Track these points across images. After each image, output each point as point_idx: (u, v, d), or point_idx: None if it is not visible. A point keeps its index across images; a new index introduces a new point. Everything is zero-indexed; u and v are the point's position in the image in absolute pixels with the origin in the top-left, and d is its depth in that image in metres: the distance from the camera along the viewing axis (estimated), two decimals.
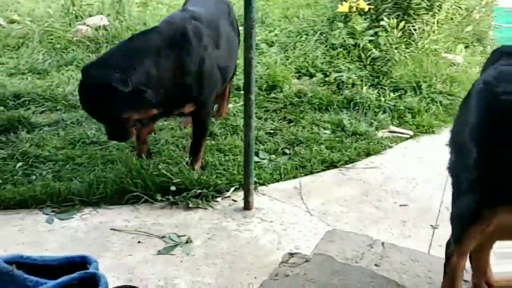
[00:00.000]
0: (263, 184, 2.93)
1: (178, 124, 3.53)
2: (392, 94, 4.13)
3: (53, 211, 2.58)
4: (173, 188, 2.70)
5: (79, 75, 2.67)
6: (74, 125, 3.39)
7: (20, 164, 2.91)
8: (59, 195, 2.64)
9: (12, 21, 5.26)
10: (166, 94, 2.64)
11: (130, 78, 2.43)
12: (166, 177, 2.74)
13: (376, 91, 4.18)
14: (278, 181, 2.99)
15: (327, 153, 3.24)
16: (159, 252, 2.30)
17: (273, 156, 3.25)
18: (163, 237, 2.41)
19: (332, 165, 3.16)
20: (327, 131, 3.60)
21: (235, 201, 2.76)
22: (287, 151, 3.32)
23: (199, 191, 2.72)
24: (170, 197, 2.67)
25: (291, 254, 2.27)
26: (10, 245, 2.28)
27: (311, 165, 3.11)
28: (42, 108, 3.63)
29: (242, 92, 4.08)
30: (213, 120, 3.57)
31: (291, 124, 3.67)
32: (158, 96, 2.60)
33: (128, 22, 5.04)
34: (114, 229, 2.45)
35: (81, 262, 1.40)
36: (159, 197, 2.67)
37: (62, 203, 2.62)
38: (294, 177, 3.02)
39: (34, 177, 2.80)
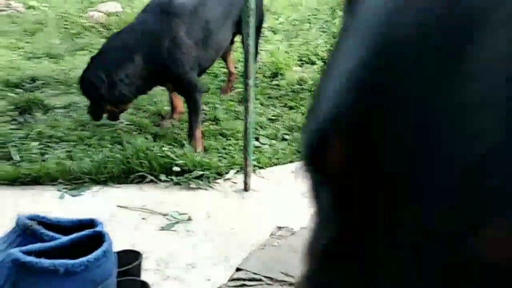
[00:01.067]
0: (262, 168, 3.06)
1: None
2: None
3: (64, 188, 2.72)
4: (176, 169, 2.83)
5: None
6: (85, 108, 3.52)
7: (35, 143, 3.05)
8: (70, 173, 2.78)
9: (29, 7, 5.39)
10: (143, 83, 2.99)
11: (111, 76, 2.83)
12: (169, 159, 2.87)
13: None
14: (276, 165, 3.12)
15: None
16: (162, 228, 2.44)
17: (273, 141, 3.37)
18: (166, 214, 2.54)
19: None
20: None
21: (235, 183, 2.89)
22: (286, 136, 3.43)
23: (201, 172, 2.85)
24: (173, 177, 2.81)
25: (279, 228, 2.41)
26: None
27: None
28: (56, 91, 3.77)
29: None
30: (218, 105, 3.70)
31: (292, 111, 3.78)
32: (135, 88, 2.98)
33: (139, 8, 5.13)
34: (120, 206, 2.59)
35: (90, 224, 1.54)
36: (163, 177, 2.80)
37: (73, 180, 2.76)
38: (291, 162, 3.14)
39: (48, 156, 2.94)
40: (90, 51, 4.39)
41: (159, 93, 3.77)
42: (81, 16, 4.91)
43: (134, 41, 2.94)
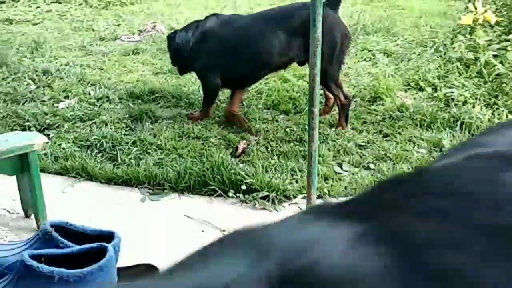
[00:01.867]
0: (334, 196, 3.06)
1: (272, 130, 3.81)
2: (509, 116, 3.87)
3: (147, 192, 3.07)
4: (244, 187, 2.99)
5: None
6: (186, 121, 3.87)
7: (136, 149, 3.46)
8: (155, 179, 3.12)
9: (171, 29, 6.00)
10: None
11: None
12: (240, 176, 3.05)
13: (490, 111, 3.94)
14: (351, 195, 3.09)
15: None
16: None
17: (356, 169, 3.32)
18: (224, 230, 2.72)
19: None
20: (422, 150, 3.53)
21: (301, 208, 2.95)
22: (372, 166, 3.36)
23: (268, 193, 2.97)
24: (241, 195, 2.98)
25: None
26: (107, 213, 2.81)
27: None
28: (168, 104, 4.19)
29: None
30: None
31: (385, 139, 3.68)
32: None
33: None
34: (187, 216, 2.84)
35: (109, 236, 1.77)
36: (231, 194, 2.99)
37: (156, 186, 3.10)
38: None
39: (143, 161, 3.32)
40: None
41: (254, 110, 3.99)
42: None
43: None
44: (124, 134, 3.65)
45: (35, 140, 2.49)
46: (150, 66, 5.12)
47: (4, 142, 2.46)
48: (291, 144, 3.59)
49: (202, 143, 3.58)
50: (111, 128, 3.72)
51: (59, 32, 6.55)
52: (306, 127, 3.76)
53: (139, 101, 4.22)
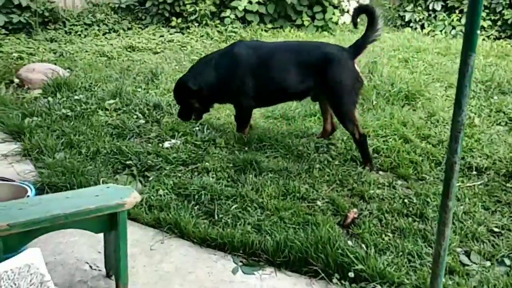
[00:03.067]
0: None
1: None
2: None
3: (241, 261, 2.67)
4: (351, 274, 2.49)
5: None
6: (292, 176, 3.45)
7: (235, 205, 3.10)
8: (251, 246, 2.71)
9: None
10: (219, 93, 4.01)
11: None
12: (348, 258, 2.55)
13: None
14: None
15: None
16: None
17: (487, 263, 2.67)
18: None
19: None
20: None
21: None
22: (507, 261, 2.70)
23: (380, 287, 2.44)
24: (347, 283, 2.47)
25: None
26: (194, 284, 2.46)
27: None
28: (275, 154, 3.81)
29: (473, 172, 3.55)
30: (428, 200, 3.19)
31: None
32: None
33: (376, 81, 4.95)
34: None
35: None
36: (335, 279, 2.50)
37: (251, 255, 2.69)
38: None
39: (241, 221, 2.94)
40: (319, 118, 4.39)
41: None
42: None
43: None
44: (225, 186, 3.32)
45: (127, 198, 2.20)
46: (261, 108, 4.81)
47: (94, 197, 2.21)
48: (409, 219, 3.02)
49: (308, 206, 3.13)
50: (212, 177, 3.42)
51: (177, 63, 6.55)
52: (428, 199, 3.22)
53: (246, 148, 3.89)
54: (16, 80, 5.42)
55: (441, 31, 9.00)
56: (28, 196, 2.72)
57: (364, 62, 5.37)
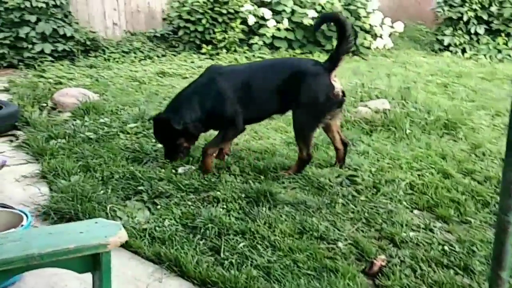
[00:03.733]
0: None
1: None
2: None
3: None
4: None
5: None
6: (311, 212, 3.00)
7: (244, 243, 2.67)
8: None
9: None
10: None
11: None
12: None
13: None
14: None
15: None
16: None
17: None
18: None
19: None
20: None
21: None
22: None
23: None
24: None
25: None
26: None
27: None
28: (293, 185, 3.36)
29: None
30: None
31: None
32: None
33: (410, 108, 4.44)
34: None
35: None
36: None
37: None
38: None
39: (248, 262, 2.51)
40: (353, 145, 3.94)
41: None
42: (349, 111, 4.51)
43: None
44: (236, 219, 2.90)
45: (111, 238, 1.82)
46: (283, 134, 4.40)
47: (77, 234, 1.84)
48: (451, 271, 2.46)
49: (327, 248, 2.65)
50: (222, 208, 3.01)
51: None
52: (474, 247, 2.59)
53: (261, 177, 3.47)
54: (50, 104, 5.21)
55: (485, 55, 8.26)
56: (22, 225, 2.39)
57: (397, 87, 4.84)
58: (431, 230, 2.83)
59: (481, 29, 8.67)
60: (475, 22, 8.70)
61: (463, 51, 8.74)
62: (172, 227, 2.80)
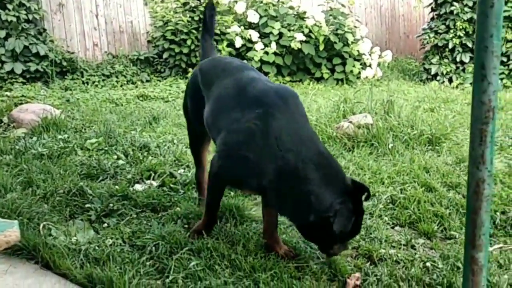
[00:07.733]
0: None
1: None
2: None
3: None
4: None
5: None
6: (283, 228, 2.62)
7: (198, 262, 2.28)
8: None
9: None
10: None
11: None
12: None
13: None
14: None
15: None
16: None
17: None
18: None
19: None
20: None
21: None
22: None
23: None
24: None
25: None
26: None
27: None
28: None
29: None
30: None
31: None
32: None
33: (392, 123, 4.17)
34: None
35: None
36: None
37: None
38: None
39: (202, 284, 2.12)
40: None
41: None
42: (331, 126, 4.23)
43: None
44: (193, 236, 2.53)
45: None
46: None
47: None
48: None
49: (297, 267, 2.29)
50: (178, 225, 2.64)
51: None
52: (459, 263, 2.34)
53: (231, 193, 3.12)
54: (6, 120, 4.91)
55: (470, 83, 8.28)
56: None
57: (380, 101, 4.61)
58: (412, 247, 2.53)
59: (466, 58, 8.80)
60: (460, 50, 8.86)
61: (450, 80, 8.85)
62: (117, 247, 2.43)
